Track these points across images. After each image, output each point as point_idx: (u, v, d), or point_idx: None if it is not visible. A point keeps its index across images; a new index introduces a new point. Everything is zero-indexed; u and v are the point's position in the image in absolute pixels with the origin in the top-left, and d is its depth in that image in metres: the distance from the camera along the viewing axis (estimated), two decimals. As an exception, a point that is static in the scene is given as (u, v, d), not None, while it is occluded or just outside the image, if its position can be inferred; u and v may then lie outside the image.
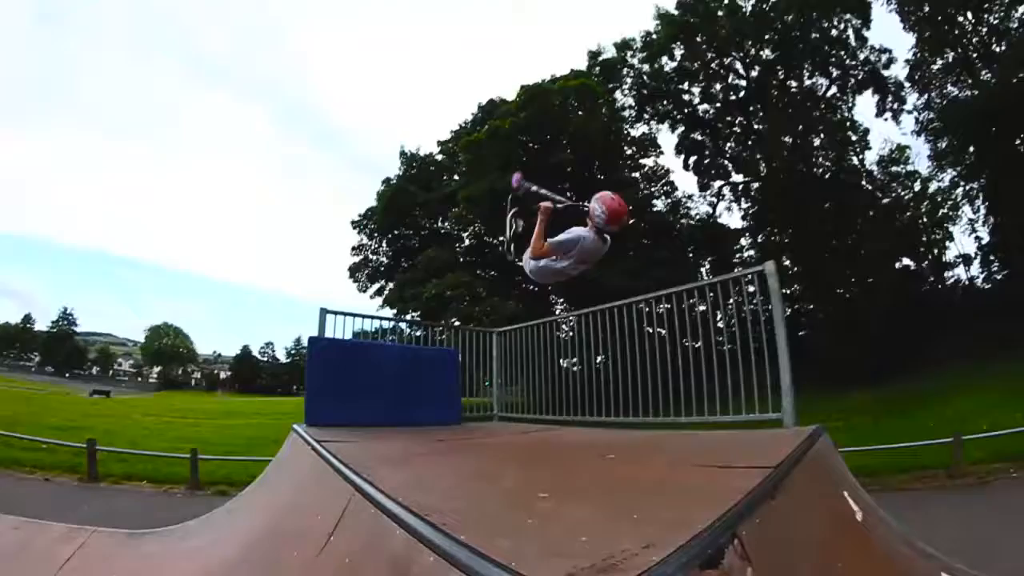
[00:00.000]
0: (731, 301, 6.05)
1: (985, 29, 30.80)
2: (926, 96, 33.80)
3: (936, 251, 36.38)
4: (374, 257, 42.46)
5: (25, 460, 14.12)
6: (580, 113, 36.23)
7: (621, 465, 3.98)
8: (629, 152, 39.96)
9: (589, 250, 4.78)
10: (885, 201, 35.88)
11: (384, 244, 42.37)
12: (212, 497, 11.11)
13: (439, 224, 40.58)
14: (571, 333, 8.92)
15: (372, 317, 7.89)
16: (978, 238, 34.45)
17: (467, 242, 39.60)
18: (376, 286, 41.43)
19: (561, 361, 8.44)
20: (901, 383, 25.51)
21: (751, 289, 5.91)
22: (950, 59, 32.01)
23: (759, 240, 38.96)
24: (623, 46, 39.44)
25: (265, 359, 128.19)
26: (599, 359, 7.55)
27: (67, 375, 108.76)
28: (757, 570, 1.76)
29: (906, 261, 35.93)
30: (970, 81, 31.16)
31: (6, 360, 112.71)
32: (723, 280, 6.06)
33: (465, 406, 8.58)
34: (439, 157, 42.92)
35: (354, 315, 7.64)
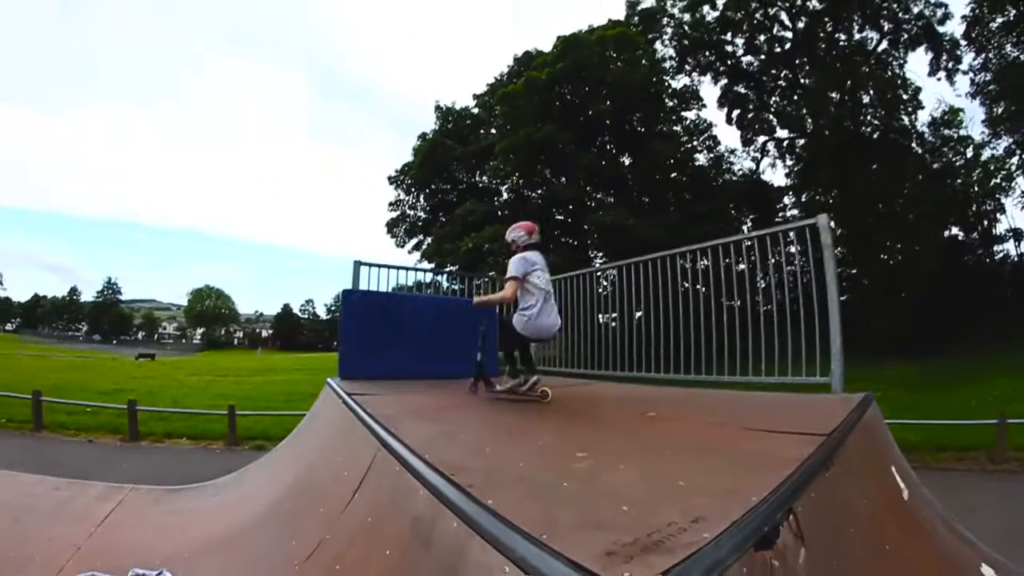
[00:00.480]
0: (773, 259, 5.66)
1: None
2: (983, 56, 31.73)
3: (986, 223, 34.67)
4: (411, 212, 42.05)
5: (69, 424, 14.45)
6: (619, 64, 35.20)
7: (663, 424, 3.77)
8: (670, 104, 38.61)
9: (532, 260, 5.13)
10: (935, 166, 34.09)
11: (421, 199, 41.92)
12: (249, 452, 11.26)
13: (476, 178, 39.99)
14: (609, 288, 8.66)
15: (405, 268, 7.71)
16: None
17: (505, 195, 39.02)
18: (414, 241, 41.06)
19: (600, 316, 8.23)
20: (942, 357, 24.82)
21: (792, 250, 5.50)
22: (1011, 16, 29.83)
23: (803, 199, 37.75)
24: (663, -6, 38.00)
25: (306, 316, 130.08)
26: (638, 314, 7.28)
27: (114, 342, 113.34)
28: (809, 550, 1.58)
29: (954, 231, 34.49)
30: None
31: (55, 332, 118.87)
32: (772, 232, 5.65)
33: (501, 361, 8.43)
34: (475, 110, 42.25)
35: (388, 266, 7.49)
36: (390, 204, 42.02)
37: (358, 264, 7.07)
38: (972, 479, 10.87)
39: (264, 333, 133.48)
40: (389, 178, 41.84)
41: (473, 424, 3.90)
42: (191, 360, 65.66)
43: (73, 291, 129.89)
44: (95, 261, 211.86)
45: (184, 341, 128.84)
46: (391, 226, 41.81)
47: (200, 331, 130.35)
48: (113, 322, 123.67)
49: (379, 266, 7.33)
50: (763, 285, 6.08)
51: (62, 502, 4.29)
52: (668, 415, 4.11)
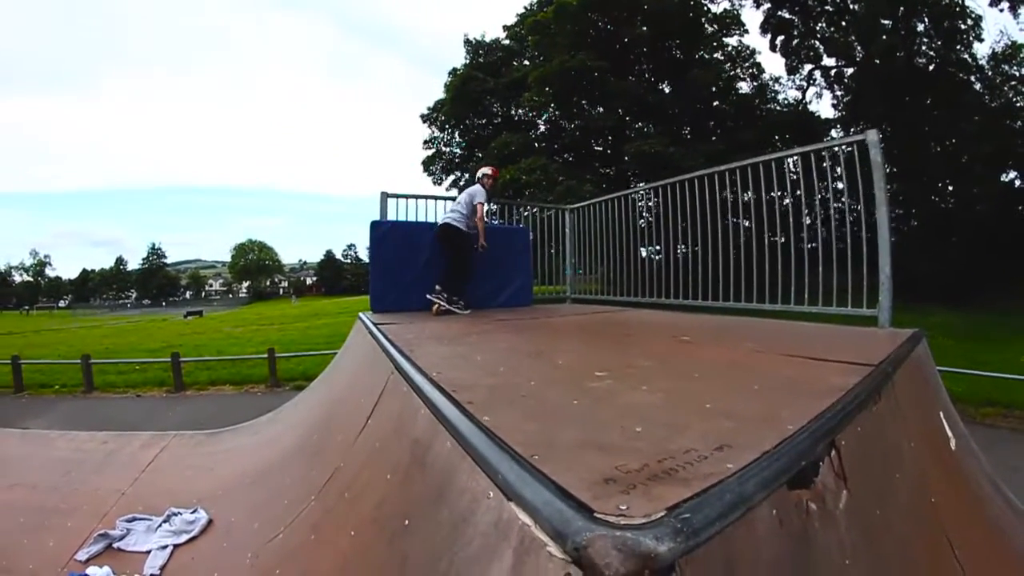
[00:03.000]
0: (821, 184, 5.33)
1: None
2: None
3: None
4: (447, 149, 41.36)
5: (119, 383, 15.04)
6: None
7: (697, 348, 3.52)
8: (710, 30, 36.98)
9: (486, 196, 6.75)
10: (995, 104, 31.88)
11: (456, 135, 41.16)
12: (290, 392, 11.42)
13: (512, 111, 39.00)
14: (649, 219, 8.37)
15: (433, 198, 7.47)
16: None
17: (541, 127, 38.20)
18: (451, 178, 40.58)
19: (641, 250, 7.95)
20: (992, 309, 23.97)
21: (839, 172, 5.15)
22: None
23: (851, 133, 36.19)
24: (701, -89, 36.19)
25: (348, 261, 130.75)
26: (680, 247, 7.02)
27: (164, 304, 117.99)
28: (854, 493, 1.37)
29: (1013, 175, 32.61)
30: None
31: (107, 302, 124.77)
32: (817, 149, 5.31)
33: (538, 293, 8.28)
34: (506, 42, 41.14)
35: (415, 196, 7.26)
36: (424, 142, 41.37)
37: (385, 196, 6.89)
38: (1017, 436, 10.47)
39: (308, 281, 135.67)
40: (422, 116, 41.04)
41: (494, 347, 3.72)
42: (238, 313, 67.47)
43: (119, 261, 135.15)
44: (139, 230, 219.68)
45: (231, 296, 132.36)
46: (427, 164, 41.23)
47: (246, 284, 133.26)
48: (161, 285, 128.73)
49: (406, 197, 7.14)
50: (808, 211, 5.71)
51: (109, 453, 4.48)
52: (703, 340, 3.85)
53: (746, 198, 5.84)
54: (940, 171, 30.72)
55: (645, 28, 33.58)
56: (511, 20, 40.63)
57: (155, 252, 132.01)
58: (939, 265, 26.43)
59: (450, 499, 1.31)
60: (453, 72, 40.78)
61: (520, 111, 37.93)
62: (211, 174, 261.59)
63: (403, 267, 6.29)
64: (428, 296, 6.05)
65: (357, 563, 1.66)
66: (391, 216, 6.96)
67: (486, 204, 6.61)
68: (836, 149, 5.39)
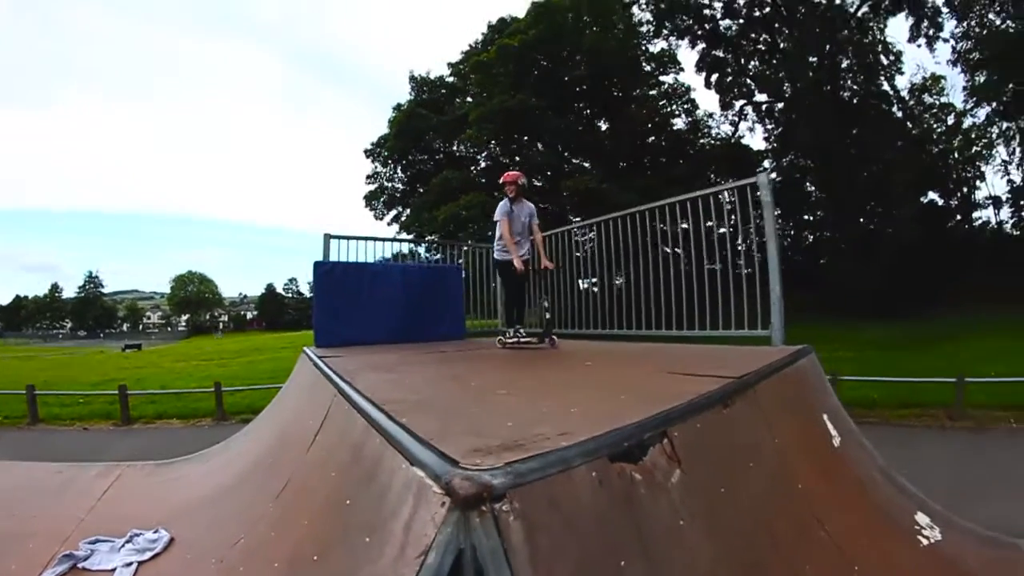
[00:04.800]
0: (732, 218, 5.93)
1: None
2: (965, 24, 32.02)
3: (965, 189, 35.40)
4: (389, 184, 41.85)
5: (64, 415, 14.95)
6: (594, 29, 35.26)
7: (596, 370, 4.18)
8: (647, 69, 38.65)
9: (506, 210, 6.32)
10: (915, 132, 34.61)
11: (399, 171, 41.77)
12: (237, 425, 11.54)
13: (454, 147, 39.56)
14: (578, 254, 8.91)
15: (374, 239, 7.96)
16: (1011, 181, 33.55)
17: (482, 164, 38.87)
18: (393, 213, 41.03)
19: (580, 282, 8.49)
20: (918, 320, 25.59)
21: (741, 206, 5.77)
22: None
23: (783, 163, 38.25)
24: (640, -43, 37.70)
25: (290, 295, 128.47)
26: (617, 279, 7.63)
27: (101, 336, 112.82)
28: (688, 472, 1.82)
29: (933, 196, 35.11)
30: (1012, 10, 29.36)
31: (39, 331, 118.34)
32: (715, 192, 5.97)
33: (473, 327, 8.76)
34: (450, 79, 41.83)
35: (357, 238, 7.76)
36: (367, 177, 41.78)
37: (328, 237, 7.36)
38: (929, 435, 11.41)
39: (249, 315, 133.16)
40: (365, 151, 41.45)
41: (422, 374, 4.28)
42: (176, 347, 65.83)
43: (54, 288, 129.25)
44: (75, 257, 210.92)
45: (169, 329, 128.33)
46: (369, 199, 41.59)
47: (185, 317, 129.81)
48: (97, 316, 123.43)
49: (348, 238, 7.61)
50: (709, 243, 6.33)
51: (64, 482, 4.58)
52: (607, 364, 4.50)
53: (661, 228, 6.50)
54: (867, 195, 32.44)
55: (585, 68, 34.67)
56: (456, 57, 41.36)
57: (92, 280, 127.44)
58: (870, 282, 27.94)
59: (377, 477, 1.77)
60: (398, 107, 41.18)
61: (462, 147, 38.48)
62: (151, 201, 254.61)
63: (345, 305, 6.70)
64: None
65: (310, 540, 2.06)
66: (334, 255, 7.39)
67: (507, 219, 6.28)
68: (739, 189, 5.92)
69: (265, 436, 4.49)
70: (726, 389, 2.61)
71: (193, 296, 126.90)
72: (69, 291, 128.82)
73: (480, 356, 5.61)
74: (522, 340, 6.13)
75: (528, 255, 6.36)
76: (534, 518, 1.30)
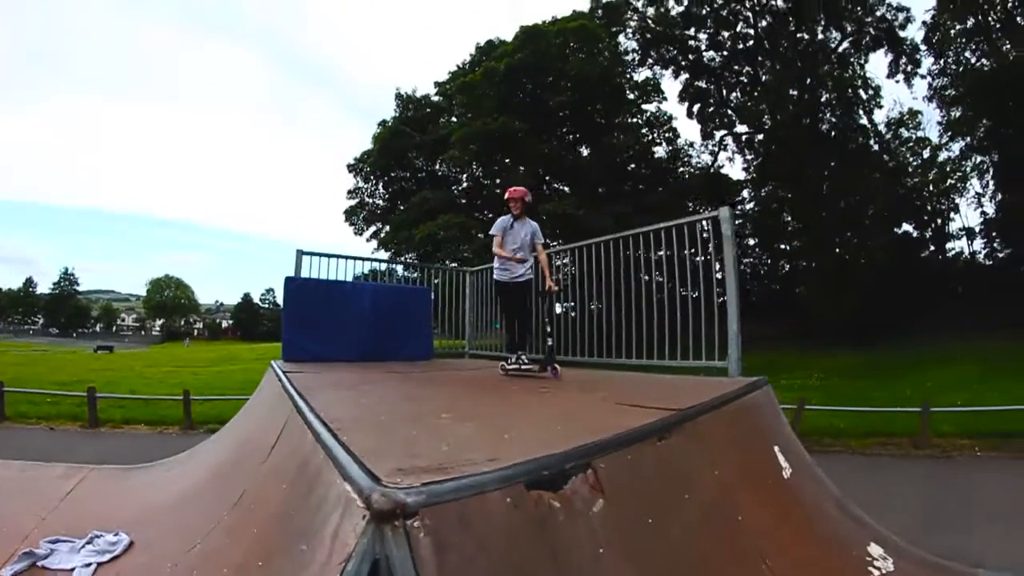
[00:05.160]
0: (689, 249, 6.06)
1: None
2: (942, 62, 33.18)
3: (939, 221, 36.11)
4: (370, 200, 42.09)
5: (31, 413, 14.85)
6: (580, 56, 35.62)
7: (547, 397, 4.23)
8: (631, 97, 39.20)
9: (503, 226, 6.06)
10: (891, 164, 35.45)
11: (380, 187, 42.02)
12: (204, 435, 11.49)
13: (436, 167, 39.99)
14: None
15: (346, 257, 8.08)
16: (984, 213, 34.28)
17: (464, 184, 39.37)
18: (372, 229, 41.14)
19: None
20: (889, 348, 25.87)
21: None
22: (969, 25, 31.16)
23: (761, 193, 38.94)
24: (627, -13, 38.38)
25: (267, 305, 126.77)
26: (563, 305, 7.75)
27: (74, 335, 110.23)
28: (612, 501, 1.91)
29: (907, 228, 35.78)
30: (987, 48, 30.48)
31: (10, 326, 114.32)
32: (678, 224, 6.04)
33: (440, 347, 8.87)
34: (436, 99, 42.20)
35: (328, 255, 7.89)
36: (349, 192, 42.03)
37: (300, 253, 7.48)
38: (894, 463, 11.57)
39: (224, 323, 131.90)
40: (348, 166, 41.74)
41: (378, 393, 4.40)
42: (150, 352, 65.04)
43: (28, 283, 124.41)
44: (52, 251, 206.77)
45: (143, 333, 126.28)
46: (350, 214, 41.75)
47: (159, 322, 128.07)
48: (71, 314, 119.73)
49: (321, 255, 7.75)
50: (672, 273, 6.44)
51: (27, 481, 4.59)
52: (559, 392, 4.58)
53: (631, 254, 6.61)
54: (843, 225, 33.11)
55: (569, 94, 35.04)
56: (443, 77, 41.65)
57: (67, 277, 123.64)
58: (843, 311, 28.41)
59: (317, 490, 1.91)
60: (383, 124, 41.42)
61: (444, 167, 38.79)
62: (133, 200, 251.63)
63: (314, 321, 6.80)
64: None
65: (258, 548, 2.16)
66: (306, 271, 7.51)
67: (502, 235, 6.04)
68: (704, 222, 6.06)
69: (228, 446, 4.55)
70: (664, 422, 2.70)
71: (169, 301, 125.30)
72: (44, 286, 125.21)
73: (439, 378, 5.76)
74: (523, 367, 5.79)
75: (529, 275, 6.09)
76: (444, 535, 1.44)
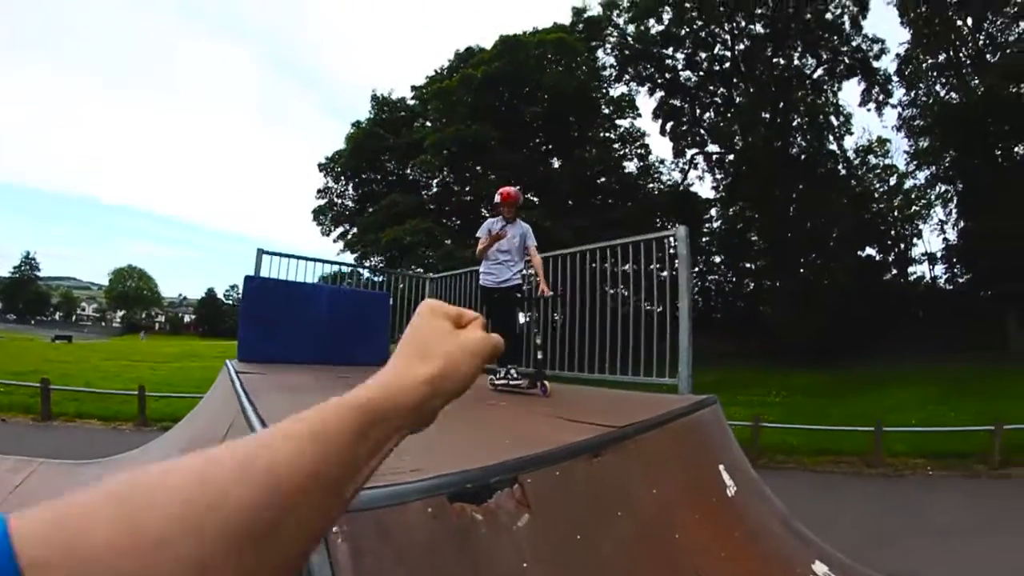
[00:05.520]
0: (633, 266, 6.13)
1: (982, 37, 30.98)
2: (913, 93, 34.14)
3: (903, 246, 37.29)
4: (339, 200, 41.89)
5: None
6: (558, 68, 35.89)
7: (493, 410, 4.20)
8: (606, 111, 39.60)
9: (494, 229, 5.71)
10: (858, 190, 36.52)
11: (350, 188, 41.85)
12: (157, 432, 11.36)
13: (407, 171, 39.64)
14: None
15: (306, 259, 8.06)
16: (946, 239, 35.31)
17: (434, 189, 39.28)
18: (340, 230, 40.91)
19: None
20: (849, 367, 26.40)
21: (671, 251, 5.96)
22: (941, 60, 32.20)
23: (729, 212, 39.68)
24: (610, 5, 38.76)
25: (230, 302, 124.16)
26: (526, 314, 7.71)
27: (32, 322, 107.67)
28: (538, 516, 1.90)
29: (871, 251, 36.90)
30: (956, 82, 31.41)
31: None
32: (634, 241, 6.06)
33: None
34: (412, 102, 42.15)
35: (290, 256, 7.88)
36: (318, 191, 41.79)
37: (260, 252, 7.47)
38: (846, 481, 11.79)
39: (187, 318, 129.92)
40: (320, 164, 41.50)
41: (324, 396, 4.28)
42: (110, 344, 63.72)
43: None
44: (13, 233, 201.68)
45: (104, 324, 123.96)
46: (318, 213, 41.50)
47: (120, 313, 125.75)
48: (30, 300, 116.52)
49: (282, 255, 7.72)
50: (634, 290, 6.49)
51: None
52: (508, 404, 4.53)
53: (592, 267, 6.65)
54: (808, 246, 33.91)
55: (544, 105, 35.34)
56: (420, 81, 41.65)
57: (28, 262, 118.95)
58: (806, 330, 28.96)
59: None
60: (357, 124, 41.28)
61: (415, 172, 38.65)
62: (101, 186, 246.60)
63: (271, 321, 6.74)
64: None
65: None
66: (271, 271, 7.54)
67: (488, 236, 5.70)
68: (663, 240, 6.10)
69: (178, 445, 4.54)
70: (601, 439, 2.69)
71: (131, 292, 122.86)
72: (3, 269, 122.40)
73: None
74: (512, 382, 5.33)
75: (518, 280, 5.74)
76: (362, 542, 1.45)
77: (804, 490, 9.89)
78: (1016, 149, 30.27)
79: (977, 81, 29.75)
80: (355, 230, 39.02)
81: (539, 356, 5.40)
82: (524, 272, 5.95)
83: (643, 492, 2.67)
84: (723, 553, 2.80)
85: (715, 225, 40.76)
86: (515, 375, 5.39)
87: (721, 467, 3.49)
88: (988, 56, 30.25)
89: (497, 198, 5.86)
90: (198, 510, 0.37)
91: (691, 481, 3.20)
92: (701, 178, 41.21)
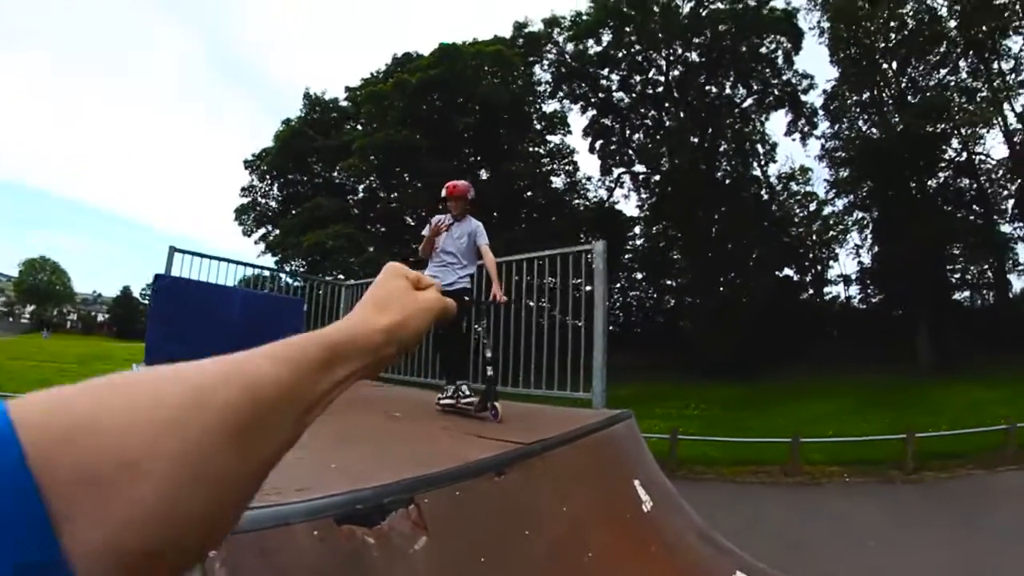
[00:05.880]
0: (550, 279, 6.12)
1: (905, 79, 33.06)
2: (836, 127, 35.82)
3: (819, 268, 39.07)
4: (263, 200, 40.89)
5: None
6: (493, 80, 36.02)
7: (398, 423, 4.11)
8: (538, 127, 39.93)
9: (435, 223, 5.15)
10: (779, 214, 38.02)
11: (275, 188, 40.92)
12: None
13: (334, 174, 39.06)
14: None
15: (221, 259, 7.78)
16: (861, 263, 37.21)
17: (360, 194, 38.83)
18: (262, 231, 39.85)
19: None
20: (766, 381, 27.27)
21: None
22: (865, 98, 33.96)
23: (653, 231, 40.59)
24: (552, 22, 39.16)
25: (146, 302, 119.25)
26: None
27: None
28: (437, 539, 1.84)
29: (788, 272, 38.34)
30: (877, 119, 33.31)
31: None
32: (552, 255, 6.09)
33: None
34: (344, 104, 41.53)
35: (204, 256, 7.58)
36: (243, 189, 40.62)
37: (173, 249, 7.14)
38: (763, 490, 12.12)
39: (100, 317, 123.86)
40: (245, 161, 40.36)
41: None
42: (15, 341, 60.27)
43: None
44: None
45: (11, 319, 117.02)
46: (240, 213, 40.29)
47: (30, 309, 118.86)
48: None
49: (196, 254, 7.42)
50: (544, 304, 6.48)
51: None
52: (415, 417, 4.44)
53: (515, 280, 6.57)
54: (729, 266, 35.11)
55: (476, 115, 35.35)
56: (355, 83, 41.11)
57: None
58: (724, 345, 29.74)
59: None
60: (287, 122, 40.40)
61: (342, 175, 38.13)
62: (17, 169, 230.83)
63: (180, 323, 6.45)
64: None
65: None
66: (182, 271, 7.20)
67: (430, 235, 5.18)
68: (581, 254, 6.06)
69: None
70: (507, 456, 2.66)
71: (43, 285, 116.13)
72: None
73: None
74: (462, 401, 4.67)
75: (465, 283, 5.15)
76: (241, 565, 1.37)
77: (724, 500, 10.09)
78: (929, 182, 32.55)
79: (897, 119, 31.64)
80: (277, 232, 38.18)
81: (489, 372, 4.69)
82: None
83: (553, 510, 2.65)
84: (639, 570, 2.80)
85: (638, 243, 41.46)
86: (466, 392, 4.74)
87: (636, 482, 3.47)
88: (909, 97, 32.29)
89: (444, 192, 5.38)
90: (187, 401, 0.39)
91: (604, 497, 3.18)
92: (627, 196, 41.99)
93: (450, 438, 3.48)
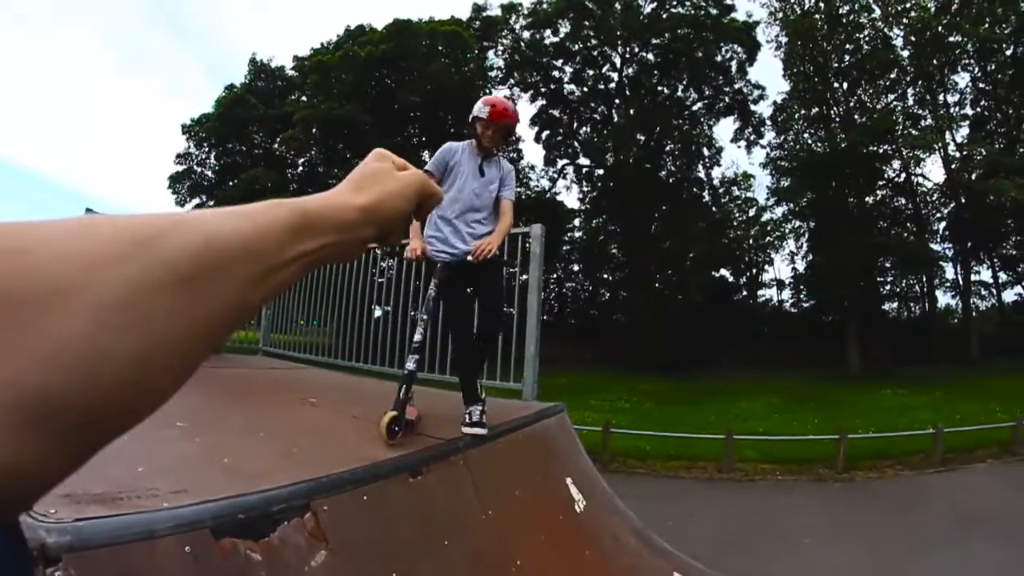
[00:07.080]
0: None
1: (854, 100, 34.35)
2: (783, 138, 36.97)
3: (754, 271, 40.47)
4: (199, 169, 39.20)
5: None
6: (445, 60, 35.54)
7: (309, 411, 3.73)
8: (485, 112, 39.53)
9: (447, 159, 3.57)
10: (718, 216, 38.95)
11: (212, 157, 39.20)
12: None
13: (274, 145, 37.66)
14: (380, 280, 8.41)
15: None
16: (795, 269, 38.66)
17: (300, 168, 37.95)
18: (196, 201, 37.94)
19: (376, 310, 7.84)
20: (697, 377, 27.87)
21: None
22: (813, 113, 35.11)
23: (592, 224, 41.04)
24: (510, 8, 38.92)
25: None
26: (379, 310, 7.18)
27: None
28: (340, 552, 1.64)
29: (724, 273, 39.47)
30: (823, 134, 34.47)
31: None
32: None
33: (235, 339, 8.00)
34: (292, 73, 40.35)
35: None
36: (178, 156, 38.67)
37: (88, 212, 6.59)
38: (697, 485, 12.23)
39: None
40: (183, 126, 38.40)
41: None
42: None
43: None
44: None
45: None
46: (174, 181, 38.51)
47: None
48: None
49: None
50: None
51: None
52: (330, 404, 4.05)
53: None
54: (665, 263, 35.84)
55: (423, 95, 34.90)
56: (305, 52, 39.76)
57: None
58: (657, 340, 30.26)
59: None
60: (230, 88, 38.97)
61: (282, 148, 37.00)
62: None
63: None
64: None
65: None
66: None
67: (443, 175, 3.56)
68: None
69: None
70: (422, 454, 2.43)
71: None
72: None
73: (208, 376, 4.65)
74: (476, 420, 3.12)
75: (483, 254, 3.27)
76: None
77: (658, 495, 10.10)
78: (867, 199, 34.00)
79: (843, 136, 32.82)
80: (212, 203, 36.04)
81: (410, 367, 3.22)
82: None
83: (476, 516, 2.46)
84: (563, 569, 2.66)
85: (577, 235, 41.80)
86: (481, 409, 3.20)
87: (569, 480, 3.29)
88: (856, 116, 33.57)
89: (484, 111, 3.43)
90: (134, 238, 0.35)
91: (534, 499, 2.99)
92: (569, 188, 42.40)
93: (358, 434, 2.97)
